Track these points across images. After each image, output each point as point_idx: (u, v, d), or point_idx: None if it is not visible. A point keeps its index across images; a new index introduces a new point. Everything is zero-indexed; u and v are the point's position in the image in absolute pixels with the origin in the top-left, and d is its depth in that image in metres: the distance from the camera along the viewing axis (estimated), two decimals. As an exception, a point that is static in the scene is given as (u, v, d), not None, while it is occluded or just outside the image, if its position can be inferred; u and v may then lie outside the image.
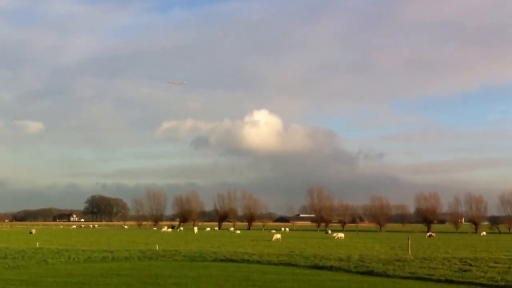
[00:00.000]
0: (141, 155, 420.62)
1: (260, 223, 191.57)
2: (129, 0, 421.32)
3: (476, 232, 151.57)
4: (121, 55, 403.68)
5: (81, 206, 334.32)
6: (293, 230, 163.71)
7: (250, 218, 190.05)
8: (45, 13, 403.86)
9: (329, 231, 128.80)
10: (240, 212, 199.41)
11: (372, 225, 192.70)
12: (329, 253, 46.50)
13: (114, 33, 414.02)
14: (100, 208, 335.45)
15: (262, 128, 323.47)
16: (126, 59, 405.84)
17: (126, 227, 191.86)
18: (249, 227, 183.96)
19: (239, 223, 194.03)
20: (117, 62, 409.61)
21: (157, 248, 50.83)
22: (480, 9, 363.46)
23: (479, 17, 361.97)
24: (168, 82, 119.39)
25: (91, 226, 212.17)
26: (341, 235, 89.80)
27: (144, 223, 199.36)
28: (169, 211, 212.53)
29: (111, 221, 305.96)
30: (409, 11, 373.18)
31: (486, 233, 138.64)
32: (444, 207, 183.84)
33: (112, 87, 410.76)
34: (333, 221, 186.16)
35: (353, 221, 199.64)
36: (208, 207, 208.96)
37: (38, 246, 53.93)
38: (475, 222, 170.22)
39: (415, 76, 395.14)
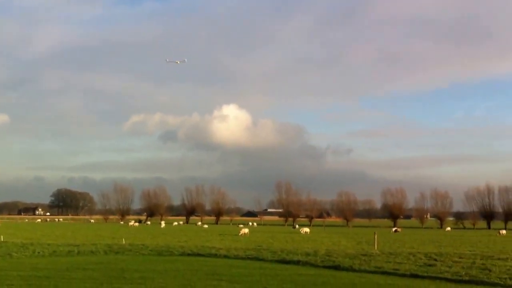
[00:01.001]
0: (109, 148, 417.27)
1: (228, 218, 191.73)
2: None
3: (441, 228, 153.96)
4: (90, 47, 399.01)
5: (47, 199, 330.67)
6: (261, 224, 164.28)
7: (218, 213, 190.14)
8: (11, 2, 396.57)
9: (297, 226, 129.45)
10: (208, 207, 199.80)
11: (339, 220, 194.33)
12: (296, 247, 46.70)
13: (83, 24, 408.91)
14: (66, 202, 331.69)
15: (231, 122, 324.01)
16: (95, 51, 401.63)
17: (92, 221, 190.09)
18: (217, 222, 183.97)
19: (207, 218, 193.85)
20: (86, 54, 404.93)
21: (123, 242, 50.43)
22: (449, 6, 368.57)
23: (449, 15, 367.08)
24: (167, 61, 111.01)
25: (56, 220, 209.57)
26: (306, 229, 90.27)
27: (111, 217, 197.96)
28: (136, 205, 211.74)
29: (77, 215, 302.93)
30: (379, 7, 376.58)
31: (451, 228, 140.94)
32: (410, 203, 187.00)
33: (80, 79, 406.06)
34: (300, 216, 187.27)
35: (320, 216, 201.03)
36: (176, 202, 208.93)
37: (2, 239, 53.02)
38: (440, 218, 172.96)
39: (384, 72, 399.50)
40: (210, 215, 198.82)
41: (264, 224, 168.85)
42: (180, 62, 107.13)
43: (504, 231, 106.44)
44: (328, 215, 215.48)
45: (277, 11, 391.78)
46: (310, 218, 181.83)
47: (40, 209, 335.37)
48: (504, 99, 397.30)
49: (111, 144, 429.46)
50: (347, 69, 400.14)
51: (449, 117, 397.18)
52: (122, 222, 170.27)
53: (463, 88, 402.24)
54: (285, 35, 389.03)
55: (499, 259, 35.85)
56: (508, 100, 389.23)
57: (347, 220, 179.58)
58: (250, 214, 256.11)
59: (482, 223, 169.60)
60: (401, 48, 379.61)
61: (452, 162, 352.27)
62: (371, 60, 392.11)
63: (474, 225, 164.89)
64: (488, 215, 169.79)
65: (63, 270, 28.37)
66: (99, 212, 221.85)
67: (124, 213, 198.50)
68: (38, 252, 38.66)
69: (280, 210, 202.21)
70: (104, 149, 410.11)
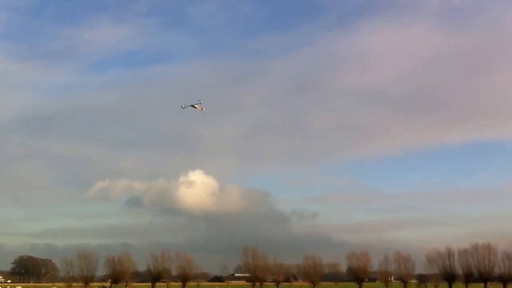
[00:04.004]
0: (72, 214, 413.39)
1: (195, 283, 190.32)
2: (62, 59, 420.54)
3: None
4: (52, 113, 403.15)
5: (8, 266, 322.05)
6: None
7: (184, 278, 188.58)
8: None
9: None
10: (174, 272, 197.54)
11: (306, 284, 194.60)
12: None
13: (47, 91, 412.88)
14: (28, 268, 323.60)
15: (198, 188, 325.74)
16: (57, 117, 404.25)
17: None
18: (184, 287, 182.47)
19: (173, 283, 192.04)
20: (49, 120, 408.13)
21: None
22: (401, 79, 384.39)
23: (401, 87, 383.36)
24: (183, 107, 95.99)
25: (17, 287, 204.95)
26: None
27: (74, 284, 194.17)
28: (100, 271, 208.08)
29: (39, 282, 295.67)
30: (339, 78, 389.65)
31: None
32: (375, 266, 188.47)
33: (42, 145, 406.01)
34: (267, 280, 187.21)
35: (287, 280, 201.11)
36: (142, 268, 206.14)
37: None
38: (404, 280, 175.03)
39: (343, 139, 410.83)
40: (176, 281, 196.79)
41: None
42: (198, 105, 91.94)
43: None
44: (295, 279, 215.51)
45: (242, 79, 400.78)
46: (277, 282, 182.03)
47: (0, 277, 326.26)
48: (458, 165, 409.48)
49: (74, 210, 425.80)
50: (308, 136, 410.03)
51: (407, 182, 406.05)
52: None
53: (419, 155, 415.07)
54: (250, 102, 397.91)
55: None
56: (462, 166, 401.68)
57: (314, 284, 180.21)
58: (217, 279, 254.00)
59: (444, 285, 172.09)
60: (358, 116, 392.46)
61: (411, 226, 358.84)
62: (332, 127, 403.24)
63: (436, 287, 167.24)
64: (449, 277, 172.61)
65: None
66: (62, 279, 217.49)
67: (87, 280, 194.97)
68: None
69: (247, 275, 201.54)
70: (67, 215, 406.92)
